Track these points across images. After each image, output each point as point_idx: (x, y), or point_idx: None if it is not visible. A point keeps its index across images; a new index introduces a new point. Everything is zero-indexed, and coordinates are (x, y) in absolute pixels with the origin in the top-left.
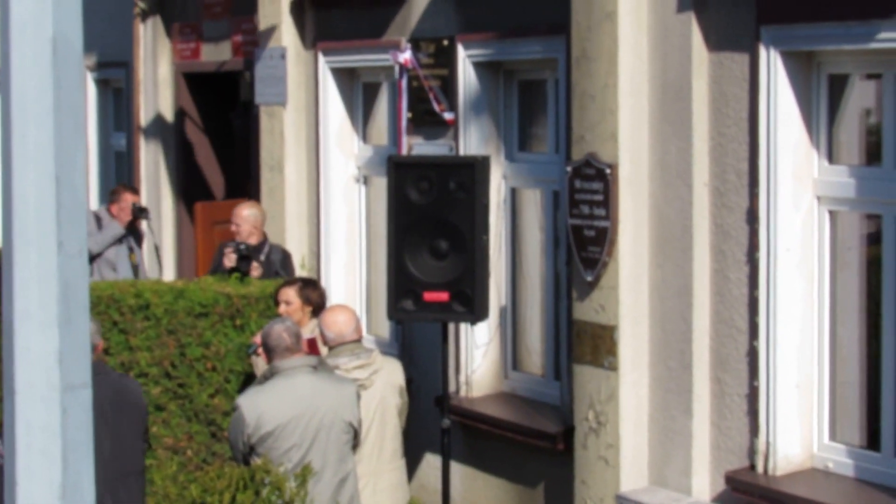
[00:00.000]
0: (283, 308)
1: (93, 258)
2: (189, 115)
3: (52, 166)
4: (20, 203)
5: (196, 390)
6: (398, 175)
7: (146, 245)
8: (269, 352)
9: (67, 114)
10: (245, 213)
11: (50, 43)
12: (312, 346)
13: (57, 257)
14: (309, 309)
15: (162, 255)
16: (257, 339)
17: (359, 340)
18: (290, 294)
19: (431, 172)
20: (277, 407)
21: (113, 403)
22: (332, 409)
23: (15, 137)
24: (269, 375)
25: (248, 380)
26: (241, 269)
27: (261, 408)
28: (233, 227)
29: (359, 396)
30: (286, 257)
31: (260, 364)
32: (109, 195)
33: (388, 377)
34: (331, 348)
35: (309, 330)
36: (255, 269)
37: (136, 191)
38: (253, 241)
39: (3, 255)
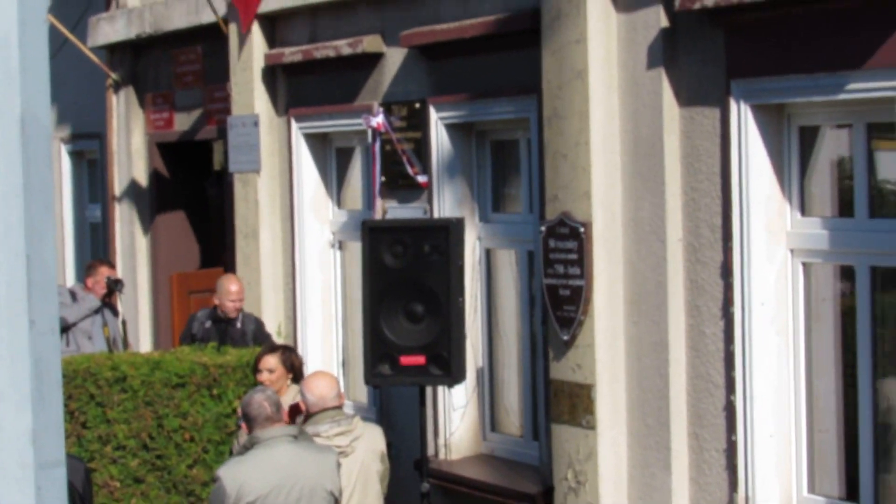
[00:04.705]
0: (265, 376)
1: (67, 328)
2: (163, 185)
3: (23, 245)
4: None
5: (174, 461)
6: (372, 239)
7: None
8: (250, 421)
9: (37, 192)
10: (240, 287)
11: (18, 121)
12: (297, 411)
13: (29, 335)
14: (290, 376)
15: (128, 329)
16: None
17: (340, 407)
18: (273, 362)
19: (406, 236)
20: (258, 477)
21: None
22: (313, 478)
23: None
24: (250, 445)
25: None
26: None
27: (241, 478)
28: (229, 304)
29: (339, 465)
30: (260, 326)
31: (243, 435)
32: (85, 269)
33: (369, 443)
34: (311, 413)
35: (291, 398)
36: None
37: (111, 265)
38: (237, 313)
39: None
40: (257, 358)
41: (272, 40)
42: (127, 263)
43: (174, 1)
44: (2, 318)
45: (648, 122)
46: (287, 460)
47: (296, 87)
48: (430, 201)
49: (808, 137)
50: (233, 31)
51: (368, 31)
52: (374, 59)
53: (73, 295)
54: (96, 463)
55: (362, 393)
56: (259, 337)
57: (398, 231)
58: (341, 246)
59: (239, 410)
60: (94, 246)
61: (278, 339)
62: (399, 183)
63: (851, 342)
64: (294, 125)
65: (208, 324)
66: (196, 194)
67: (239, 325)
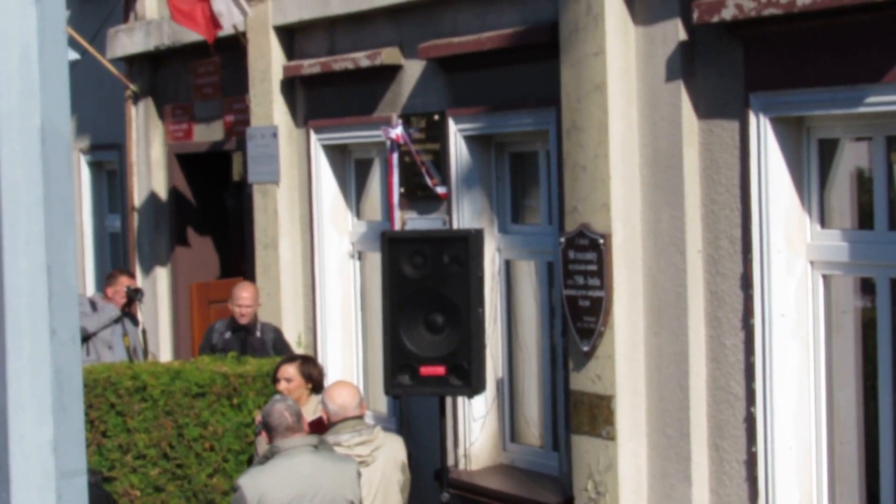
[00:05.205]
0: (283, 385)
1: (88, 337)
2: (182, 196)
3: (43, 255)
4: (12, 292)
5: (194, 471)
6: (392, 250)
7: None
8: (271, 431)
9: (57, 202)
10: (253, 294)
11: (38, 132)
12: (321, 426)
13: (50, 345)
14: (309, 386)
15: (149, 338)
16: (260, 417)
17: (361, 417)
18: (291, 371)
19: (425, 247)
20: (279, 487)
21: None
22: (334, 488)
23: (5, 227)
24: (270, 455)
25: (249, 461)
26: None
27: (262, 488)
28: (238, 308)
29: (359, 474)
30: (279, 335)
31: (263, 443)
32: (105, 278)
33: (389, 453)
34: (332, 422)
35: (312, 409)
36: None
37: (131, 274)
38: (251, 321)
39: None
40: (276, 367)
41: (291, 52)
42: (147, 273)
43: None
44: (23, 327)
45: (667, 134)
46: (308, 470)
47: (314, 99)
48: (449, 212)
49: (828, 150)
50: (251, 42)
51: (387, 44)
52: (392, 72)
53: (93, 304)
54: (117, 472)
55: (382, 403)
56: (279, 346)
57: (418, 242)
58: (361, 256)
59: (257, 419)
60: (114, 256)
61: (298, 349)
62: (418, 194)
63: (872, 354)
64: (313, 136)
65: (228, 334)
66: (215, 205)
67: (259, 334)
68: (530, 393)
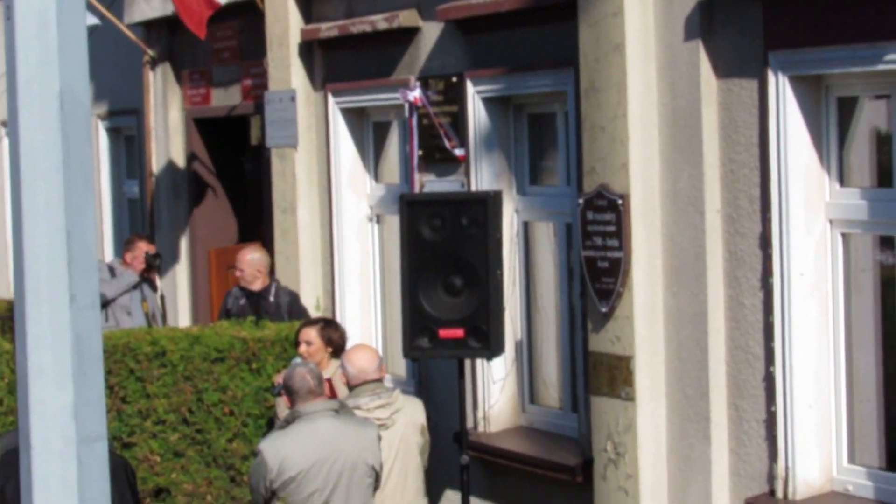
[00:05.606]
0: (303, 348)
1: (106, 303)
2: (201, 161)
3: (63, 220)
4: (31, 257)
5: (214, 435)
6: (411, 213)
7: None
8: (292, 395)
9: (76, 167)
10: (248, 258)
11: (57, 97)
12: (329, 386)
13: (69, 310)
14: (330, 350)
15: (167, 304)
16: (279, 378)
17: (380, 380)
18: (312, 334)
19: (444, 209)
20: (300, 452)
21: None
22: (355, 452)
23: (25, 192)
24: (292, 419)
25: (269, 424)
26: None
27: (283, 452)
28: (237, 272)
29: (380, 439)
30: (294, 299)
31: (282, 405)
32: (124, 244)
33: (409, 416)
34: (352, 386)
35: (332, 373)
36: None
37: (150, 239)
38: (257, 285)
39: (16, 309)
40: (298, 330)
41: (308, 16)
42: (164, 239)
43: None
44: (43, 293)
45: (686, 94)
46: (329, 435)
47: (332, 62)
48: (467, 174)
49: (847, 108)
50: (269, 6)
51: (404, 6)
52: (410, 34)
53: (111, 270)
54: (136, 437)
55: (401, 366)
56: (294, 310)
57: (436, 204)
58: (379, 219)
59: (276, 380)
60: (133, 222)
61: (316, 313)
62: (436, 157)
63: (891, 312)
64: (331, 100)
65: (243, 300)
66: (233, 169)
67: (272, 298)
68: (549, 354)
